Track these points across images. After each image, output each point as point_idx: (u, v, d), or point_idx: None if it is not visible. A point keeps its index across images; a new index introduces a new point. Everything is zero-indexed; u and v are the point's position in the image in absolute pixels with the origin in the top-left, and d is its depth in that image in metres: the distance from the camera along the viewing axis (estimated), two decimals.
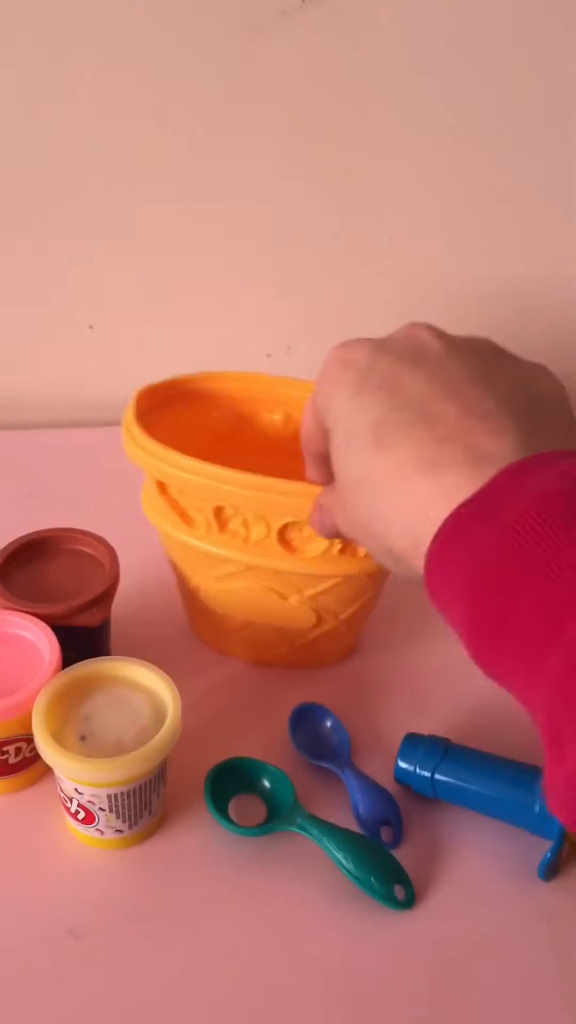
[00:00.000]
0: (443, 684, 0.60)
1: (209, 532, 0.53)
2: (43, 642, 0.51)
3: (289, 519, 0.51)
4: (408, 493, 0.33)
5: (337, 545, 0.52)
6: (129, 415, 0.55)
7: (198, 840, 0.50)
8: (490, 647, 0.29)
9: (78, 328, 0.90)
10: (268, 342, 0.92)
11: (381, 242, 0.85)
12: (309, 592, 0.55)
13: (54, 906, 0.46)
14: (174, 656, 0.61)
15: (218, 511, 0.52)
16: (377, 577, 0.56)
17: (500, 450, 0.32)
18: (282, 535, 0.52)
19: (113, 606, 0.57)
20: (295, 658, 0.61)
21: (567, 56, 0.76)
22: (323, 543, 0.52)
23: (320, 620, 0.57)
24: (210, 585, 0.57)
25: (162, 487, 0.54)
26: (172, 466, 0.51)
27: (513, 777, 0.50)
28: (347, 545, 0.53)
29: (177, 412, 0.61)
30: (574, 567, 0.26)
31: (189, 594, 0.60)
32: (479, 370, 0.36)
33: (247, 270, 0.87)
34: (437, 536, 0.31)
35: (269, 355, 0.92)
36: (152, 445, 0.52)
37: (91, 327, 0.89)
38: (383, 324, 0.88)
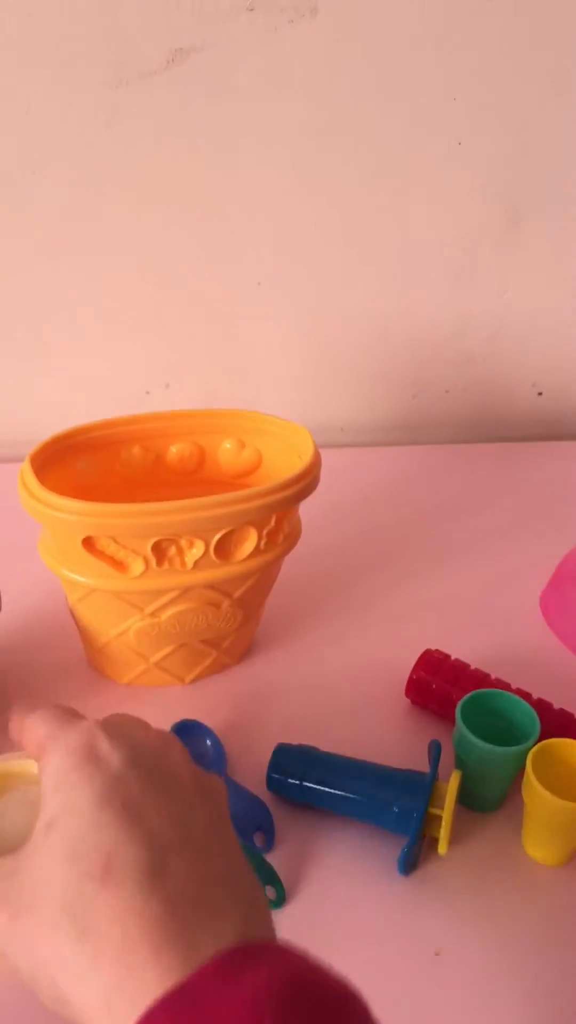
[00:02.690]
0: (316, 691, 0.64)
1: (148, 570, 0.54)
2: None
3: (225, 530, 0.54)
4: (125, 949, 0.29)
5: (263, 540, 0.56)
6: (31, 480, 0.53)
7: None
8: None
9: None
10: (147, 380, 0.95)
11: (251, 283, 0.89)
12: (238, 592, 0.58)
13: None
14: (54, 684, 0.63)
15: (156, 546, 0.53)
16: (282, 558, 0.60)
17: (222, 929, 0.30)
18: (219, 547, 0.55)
19: None
20: (213, 667, 0.64)
21: (415, 91, 0.82)
22: (252, 543, 0.56)
23: (245, 616, 0.61)
24: (141, 625, 0.58)
25: (89, 543, 0.53)
26: (107, 517, 0.51)
27: (373, 780, 0.53)
28: (272, 537, 0.57)
29: (75, 464, 0.60)
30: None
31: (107, 644, 0.60)
32: (217, 817, 0.35)
33: (124, 309, 0.89)
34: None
35: (148, 392, 0.95)
36: (75, 504, 0.51)
37: None
38: (257, 359, 0.93)
